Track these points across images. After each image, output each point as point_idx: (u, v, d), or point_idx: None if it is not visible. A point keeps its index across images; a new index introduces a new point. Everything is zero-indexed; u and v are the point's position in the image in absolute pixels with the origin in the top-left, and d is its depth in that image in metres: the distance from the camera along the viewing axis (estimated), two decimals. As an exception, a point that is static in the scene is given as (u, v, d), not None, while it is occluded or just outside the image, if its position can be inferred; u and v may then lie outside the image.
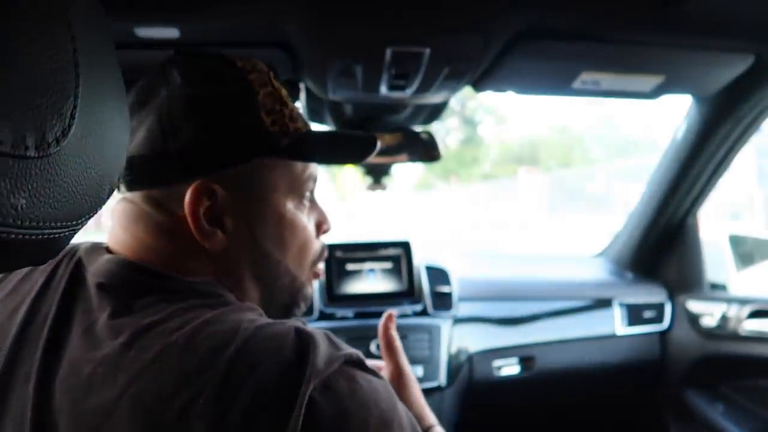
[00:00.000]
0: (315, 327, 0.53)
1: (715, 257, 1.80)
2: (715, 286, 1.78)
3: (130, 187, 0.57)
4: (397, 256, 1.54)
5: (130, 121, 0.48)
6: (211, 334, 0.47)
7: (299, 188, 0.62)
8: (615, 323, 1.69)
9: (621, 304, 1.71)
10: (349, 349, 0.50)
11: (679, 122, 1.50)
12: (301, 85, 1.23)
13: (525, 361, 1.60)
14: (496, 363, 1.57)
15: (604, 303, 1.71)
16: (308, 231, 0.63)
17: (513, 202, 16.33)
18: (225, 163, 0.56)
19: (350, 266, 1.51)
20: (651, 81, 1.18)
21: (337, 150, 0.66)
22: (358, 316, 1.46)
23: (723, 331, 1.58)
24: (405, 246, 1.55)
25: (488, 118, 18.29)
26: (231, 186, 0.56)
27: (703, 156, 1.47)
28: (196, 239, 0.55)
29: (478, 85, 1.23)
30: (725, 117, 1.34)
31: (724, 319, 1.58)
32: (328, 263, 1.50)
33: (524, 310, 1.65)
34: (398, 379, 0.77)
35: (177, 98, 0.55)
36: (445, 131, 18.43)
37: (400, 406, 0.51)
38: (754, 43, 1.07)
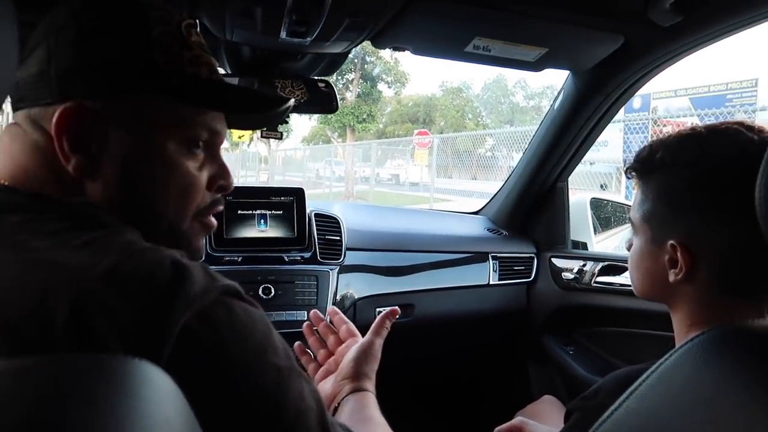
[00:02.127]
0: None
1: (579, 219, 2.00)
2: (576, 245, 1.99)
3: (15, 107, 0.57)
4: (289, 202, 1.56)
5: (17, 43, 0.46)
6: (77, 255, 0.47)
7: (186, 132, 0.60)
8: (489, 275, 1.84)
9: (495, 258, 1.86)
10: (225, 281, 0.52)
11: (557, 94, 1.63)
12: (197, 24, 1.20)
13: (405, 308, 1.70)
14: (378, 309, 1.65)
15: (480, 256, 1.85)
16: (192, 177, 0.62)
17: (404, 160, 16.67)
18: (102, 91, 0.56)
19: (241, 211, 1.51)
20: (535, 52, 1.27)
21: (236, 101, 0.66)
22: (246, 261, 1.47)
23: (578, 284, 1.78)
24: (297, 193, 1.57)
25: (386, 76, 18.33)
26: (111, 117, 0.56)
27: (575, 126, 1.62)
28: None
29: (377, 41, 1.26)
30: (596, 91, 1.48)
31: (580, 273, 1.77)
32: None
33: (407, 261, 1.74)
34: (365, 349, 0.87)
35: (69, 23, 0.55)
36: (343, 84, 18.29)
37: (276, 334, 0.54)
38: (625, 25, 1.19)
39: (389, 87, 19.11)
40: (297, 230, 1.55)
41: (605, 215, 2.21)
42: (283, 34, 1.16)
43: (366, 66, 17.34)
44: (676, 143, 0.79)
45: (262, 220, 1.53)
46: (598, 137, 1.67)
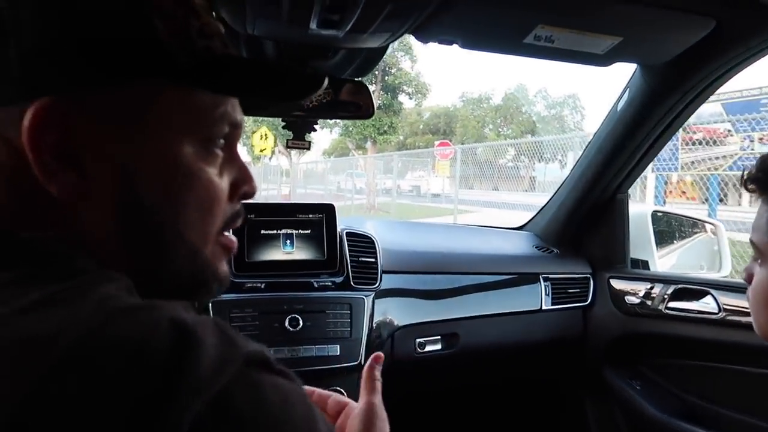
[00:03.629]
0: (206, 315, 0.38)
1: (638, 235, 1.78)
2: (635, 263, 1.77)
3: None
4: (317, 220, 1.38)
5: None
6: (26, 322, 0.31)
7: (206, 129, 0.44)
8: (540, 298, 1.63)
9: (546, 279, 1.66)
10: (248, 345, 0.35)
11: (621, 93, 1.43)
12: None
13: (448, 338, 1.51)
14: (419, 340, 1.46)
15: (530, 278, 1.65)
16: (216, 188, 0.46)
17: (425, 171, 16.50)
18: (86, 80, 0.38)
19: (264, 231, 1.33)
20: (607, 41, 1.08)
21: (267, 83, 0.47)
22: (270, 287, 1.29)
23: (645, 310, 1.56)
24: (327, 209, 1.39)
25: (407, 87, 18.15)
26: (99, 115, 0.39)
27: (643, 129, 1.41)
28: (38, 180, 0.38)
29: (422, 32, 1.08)
30: (672, 88, 1.28)
31: (647, 296, 1.56)
32: (239, 226, 1.32)
33: (449, 284, 1.55)
34: (368, 415, 0.66)
35: None
36: (363, 96, 18.03)
37: (320, 418, 0.38)
38: (717, 7, 0.99)
39: (410, 98, 18.92)
40: (327, 252, 1.37)
41: (664, 230, 1.99)
42: (313, 25, 0.98)
43: (387, 78, 17.19)
44: None
45: (288, 241, 1.35)
46: (668, 142, 1.47)
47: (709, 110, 9.74)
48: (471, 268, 1.60)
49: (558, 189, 1.82)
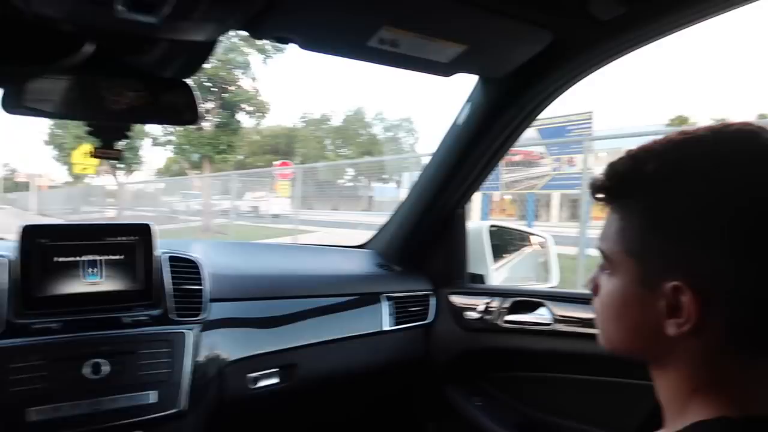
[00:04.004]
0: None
1: (476, 249, 1.80)
2: (474, 277, 1.79)
3: None
4: (131, 244, 1.17)
5: None
6: None
7: None
8: (382, 319, 1.56)
9: (388, 299, 1.59)
10: None
11: (462, 108, 1.41)
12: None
13: (286, 370, 1.37)
14: (252, 374, 1.31)
15: (371, 298, 1.58)
16: None
17: (265, 192, 16.14)
18: None
19: (60, 258, 1.09)
20: (452, 49, 1.04)
21: None
22: (68, 327, 1.06)
23: (484, 324, 1.56)
24: (142, 231, 1.18)
25: (246, 106, 17.66)
26: None
27: (483, 142, 1.41)
28: None
29: (255, 28, 0.95)
30: (511, 101, 1.29)
31: (486, 311, 1.56)
32: (25, 254, 1.06)
33: (286, 310, 1.42)
34: None
35: None
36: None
37: None
38: (554, 20, 1.00)
39: (250, 117, 18.45)
40: (143, 280, 1.16)
41: (498, 244, 2.05)
42: (119, 5, 0.81)
43: (225, 95, 16.57)
44: (674, 150, 0.58)
45: (93, 269, 1.12)
46: (505, 155, 1.49)
47: (526, 134, 10.75)
48: (310, 291, 1.48)
49: (399, 206, 1.78)
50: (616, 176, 0.61)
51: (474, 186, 1.58)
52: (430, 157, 1.60)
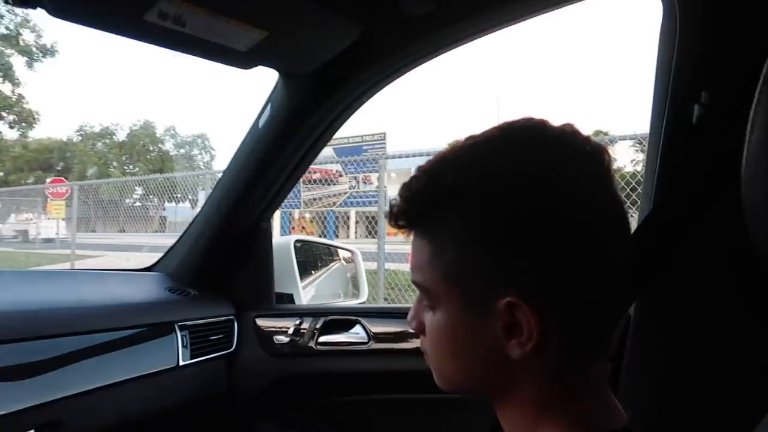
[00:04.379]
0: None
1: (282, 266, 1.66)
2: (281, 297, 1.64)
3: None
4: None
5: None
6: None
7: None
8: (177, 353, 1.33)
9: (183, 328, 1.36)
10: None
11: (262, 109, 1.26)
12: None
13: (47, 429, 1.07)
14: None
15: (162, 329, 1.33)
16: None
17: (35, 213, 14.07)
18: None
19: None
20: (250, 36, 0.89)
21: None
22: None
23: (295, 349, 1.42)
24: None
25: (7, 114, 15.26)
26: None
27: (287, 147, 1.27)
28: None
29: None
30: (317, 101, 1.17)
31: (297, 333, 1.42)
32: None
33: (49, 352, 1.12)
34: None
35: None
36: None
37: None
38: (363, 10, 0.91)
39: (11, 127, 15.97)
40: None
41: (304, 260, 1.92)
42: None
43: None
44: (467, 156, 0.53)
45: None
46: (312, 162, 1.37)
47: (322, 153, 10.95)
48: (81, 327, 1.19)
49: (192, 222, 1.56)
50: (416, 197, 0.54)
51: (279, 197, 1.44)
52: (228, 165, 1.41)
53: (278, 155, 1.29)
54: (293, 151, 1.28)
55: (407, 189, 0.54)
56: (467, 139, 0.54)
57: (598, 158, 0.51)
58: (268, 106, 1.23)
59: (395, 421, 1.33)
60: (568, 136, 0.52)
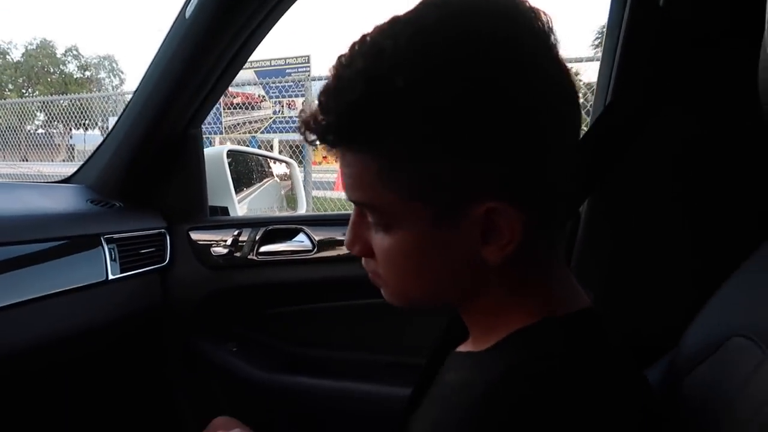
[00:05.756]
0: None
1: (214, 178, 1.56)
2: (215, 211, 1.56)
3: None
4: None
5: None
6: None
7: None
8: (105, 266, 1.23)
9: (110, 241, 1.27)
10: None
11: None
12: None
13: None
14: None
15: (87, 241, 1.23)
16: None
17: None
18: None
19: None
20: None
21: None
22: None
23: (234, 261, 1.37)
24: None
25: None
26: None
27: (218, 43, 1.16)
28: None
29: None
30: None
31: (235, 245, 1.36)
32: None
33: None
34: None
35: None
36: None
37: None
38: None
39: None
40: None
41: (238, 171, 1.83)
42: None
43: None
44: (419, 49, 0.42)
45: None
46: (248, 58, 1.26)
47: (243, 77, 10.44)
48: None
49: (113, 128, 1.43)
50: (352, 108, 0.43)
51: (210, 98, 1.33)
52: (151, 62, 1.28)
53: (209, 49, 1.17)
54: (227, 44, 1.17)
55: (336, 97, 0.44)
56: (394, 21, 0.44)
57: (550, 36, 0.45)
58: (196, -2, 1.11)
59: (342, 327, 1.33)
60: (521, 12, 0.45)
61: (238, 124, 9.37)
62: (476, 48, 0.42)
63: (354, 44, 0.44)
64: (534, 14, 0.44)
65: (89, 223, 1.27)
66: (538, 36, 0.44)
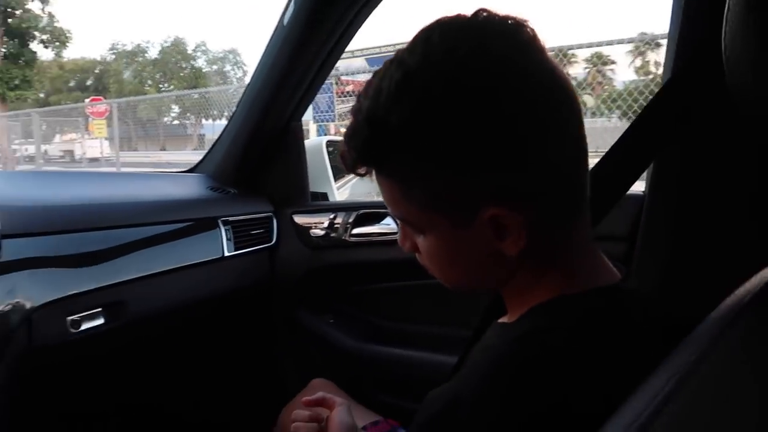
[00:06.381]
0: None
1: (315, 166, 1.72)
2: (315, 196, 1.72)
3: None
4: None
5: None
6: None
7: None
8: (221, 244, 1.44)
9: (226, 223, 1.47)
10: None
11: (286, 5, 1.28)
12: None
13: (113, 308, 1.20)
14: (72, 317, 1.12)
15: (207, 223, 1.44)
16: None
17: (78, 134, 14.44)
18: None
19: None
20: None
21: None
22: None
23: (329, 241, 1.52)
24: None
25: (40, 34, 15.31)
26: None
27: (312, 45, 1.30)
28: None
29: None
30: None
31: (331, 227, 1.51)
32: None
33: (107, 242, 1.23)
34: None
35: None
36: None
37: None
38: None
39: (46, 47, 16.07)
40: None
41: (338, 162, 1.99)
42: None
43: (10, 20, 14.17)
44: (404, 88, 0.49)
45: None
46: (339, 58, 1.39)
47: (355, 64, 10.74)
48: (133, 219, 1.29)
49: (228, 123, 1.63)
50: (364, 146, 0.53)
51: (308, 95, 1.48)
52: (257, 65, 1.45)
53: (304, 52, 1.32)
54: (319, 47, 1.31)
55: (352, 138, 0.54)
56: (389, 63, 0.52)
57: (525, 33, 0.50)
58: (292, 2, 1.25)
59: (425, 304, 1.43)
60: (489, 24, 0.51)
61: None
62: (455, 81, 0.48)
63: (366, 86, 0.53)
64: (515, 28, 0.50)
65: (209, 207, 1.48)
66: (520, 48, 0.50)
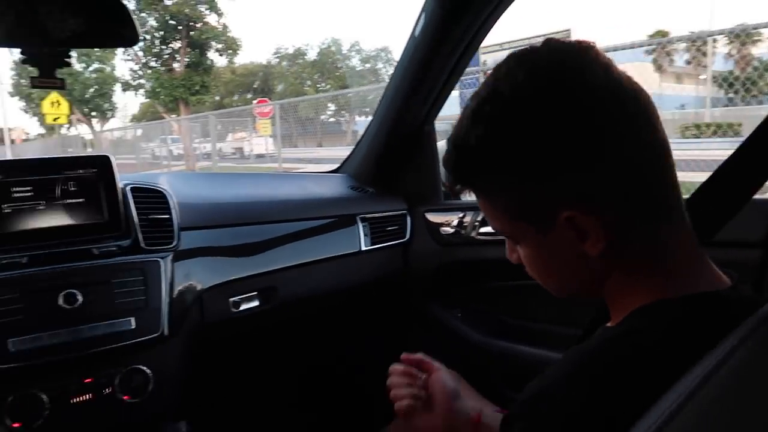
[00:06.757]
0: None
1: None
2: (448, 196, 1.79)
3: None
4: (91, 176, 1.15)
5: None
6: None
7: None
8: (359, 240, 1.58)
9: (364, 220, 1.60)
10: None
11: (417, 18, 1.37)
12: None
13: (266, 293, 1.39)
14: (233, 298, 1.33)
15: (347, 220, 1.59)
16: None
17: (246, 132, 15.91)
18: None
19: (20, 192, 1.08)
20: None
21: None
22: (36, 261, 1.06)
23: (459, 239, 1.59)
24: (101, 162, 1.16)
25: (216, 43, 17.08)
26: None
27: (442, 52, 1.38)
28: None
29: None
30: (465, 6, 1.25)
31: (460, 225, 1.58)
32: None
33: (261, 235, 1.43)
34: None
35: None
36: (169, 54, 16.70)
37: None
38: None
39: (221, 55, 17.90)
40: (108, 212, 1.16)
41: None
42: None
43: (192, 33, 15.99)
44: (486, 119, 0.57)
45: (56, 203, 1.12)
46: (467, 65, 1.46)
47: (494, 57, 10.56)
48: (284, 216, 1.48)
49: (367, 127, 1.77)
50: (456, 172, 0.62)
51: (439, 100, 1.56)
52: (393, 72, 1.57)
53: (435, 60, 1.40)
54: (448, 55, 1.39)
55: (446, 162, 0.62)
56: (473, 96, 0.59)
57: (590, 52, 0.56)
58: (423, 15, 1.34)
59: (543, 303, 1.45)
60: (555, 48, 0.57)
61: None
62: (516, 107, 0.55)
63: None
64: (579, 48, 0.56)
65: (349, 205, 1.63)
66: (585, 64, 0.55)
